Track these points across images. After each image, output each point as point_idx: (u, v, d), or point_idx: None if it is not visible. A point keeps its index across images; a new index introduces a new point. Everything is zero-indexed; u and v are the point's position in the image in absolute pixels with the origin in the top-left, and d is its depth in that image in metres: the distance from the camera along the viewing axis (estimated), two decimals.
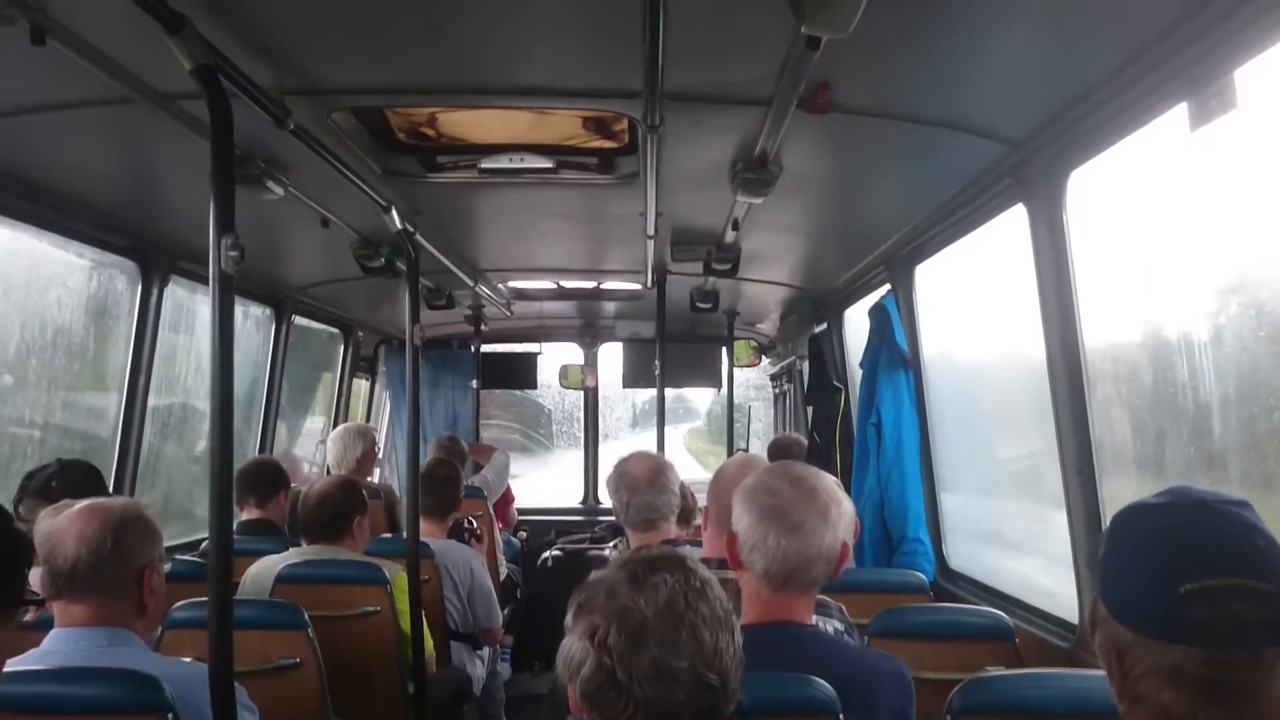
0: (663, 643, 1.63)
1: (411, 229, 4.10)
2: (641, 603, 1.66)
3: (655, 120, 2.94)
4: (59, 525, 2.42)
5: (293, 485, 5.03)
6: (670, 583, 1.68)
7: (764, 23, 2.38)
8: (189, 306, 5.20)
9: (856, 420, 5.36)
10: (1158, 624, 1.32)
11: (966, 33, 2.49)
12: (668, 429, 6.04)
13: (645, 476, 3.56)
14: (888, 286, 5.00)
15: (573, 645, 1.69)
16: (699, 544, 3.25)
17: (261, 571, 3.92)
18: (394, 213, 3.89)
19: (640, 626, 1.64)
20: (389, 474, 8.03)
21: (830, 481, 2.39)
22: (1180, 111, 2.36)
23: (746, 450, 8.10)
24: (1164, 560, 1.34)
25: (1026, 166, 3.19)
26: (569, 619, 1.72)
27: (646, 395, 10.17)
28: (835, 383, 5.98)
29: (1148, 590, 1.34)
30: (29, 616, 2.45)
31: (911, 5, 2.31)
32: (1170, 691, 1.32)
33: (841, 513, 2.31)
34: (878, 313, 4.98)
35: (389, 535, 5.35)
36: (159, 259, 4.51)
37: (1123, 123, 2.69)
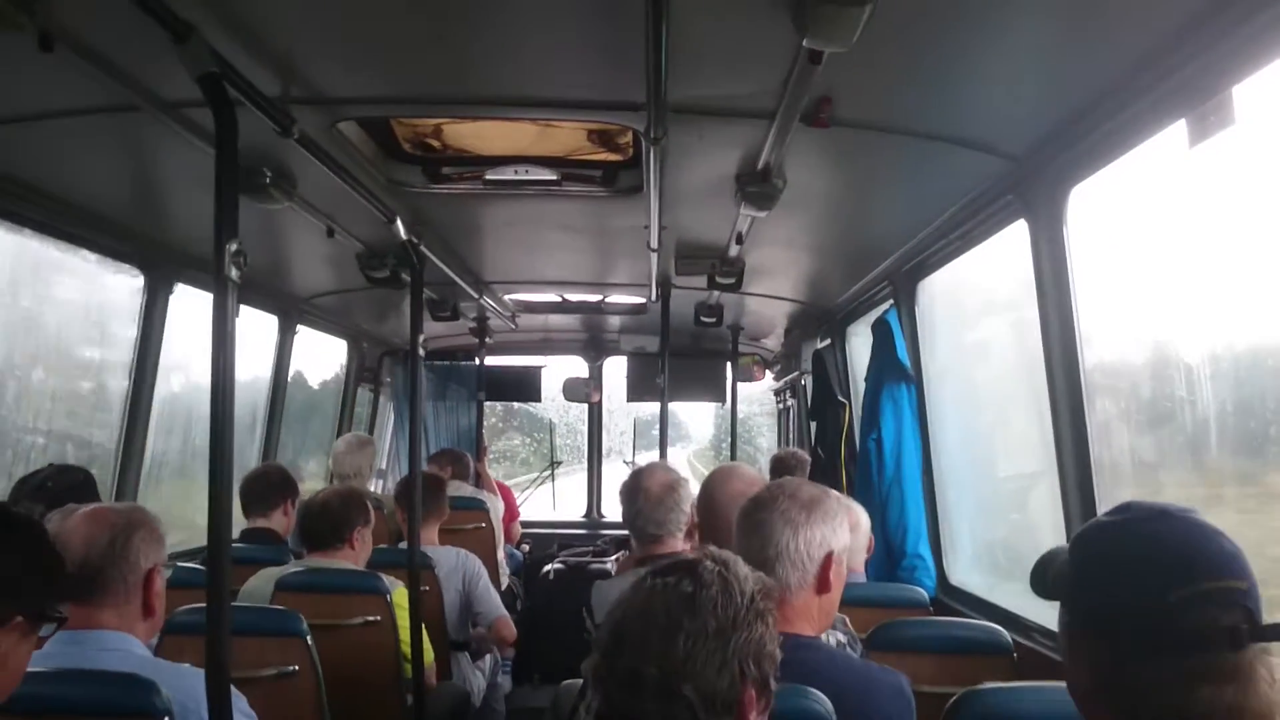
0: (636, 648, 1.61)
1: (416, 240, 4.12)
2: (629, 607, 1.65)
3: (658, 133, 2.95)
4: (66, 528, 2.42)
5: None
6: (656, 587, 1.66)
7: (767, 36, 2.39)
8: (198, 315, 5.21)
9: (859, 436, 5.35)
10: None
11: (967, 48, 2.51)
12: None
13: (657, 491, 3.51)
14: (891, 302, 5.01)
15: None
16: None
17: (261, 581, 3.92)
18: (399, 223, 3.90)
19: (621, 629, 1.64)
20: (392, 485, 8.03)
21: (813, 492, 2.40)
22: (1179, 128, 2.38)
23: None
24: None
25: (1028, 182, 3.20)
26: None
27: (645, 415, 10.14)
28: (839, 398, 5.98)
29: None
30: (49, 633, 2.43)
31: (913, 20, 2.33)
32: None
33: (812, 519, 2.32)
34: (880, 327, 4.98)
35: (385, 546, 5.33)
36: (164, 268, 4.53)
37: (1122, 139, 2.70)
